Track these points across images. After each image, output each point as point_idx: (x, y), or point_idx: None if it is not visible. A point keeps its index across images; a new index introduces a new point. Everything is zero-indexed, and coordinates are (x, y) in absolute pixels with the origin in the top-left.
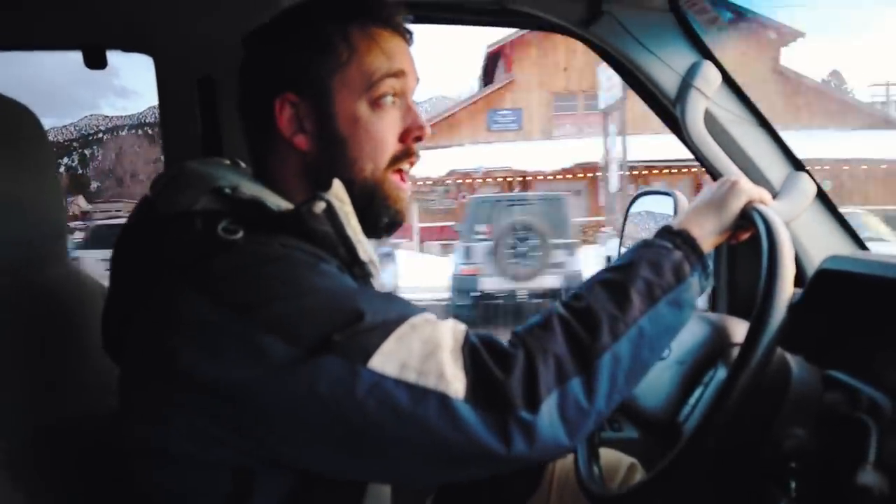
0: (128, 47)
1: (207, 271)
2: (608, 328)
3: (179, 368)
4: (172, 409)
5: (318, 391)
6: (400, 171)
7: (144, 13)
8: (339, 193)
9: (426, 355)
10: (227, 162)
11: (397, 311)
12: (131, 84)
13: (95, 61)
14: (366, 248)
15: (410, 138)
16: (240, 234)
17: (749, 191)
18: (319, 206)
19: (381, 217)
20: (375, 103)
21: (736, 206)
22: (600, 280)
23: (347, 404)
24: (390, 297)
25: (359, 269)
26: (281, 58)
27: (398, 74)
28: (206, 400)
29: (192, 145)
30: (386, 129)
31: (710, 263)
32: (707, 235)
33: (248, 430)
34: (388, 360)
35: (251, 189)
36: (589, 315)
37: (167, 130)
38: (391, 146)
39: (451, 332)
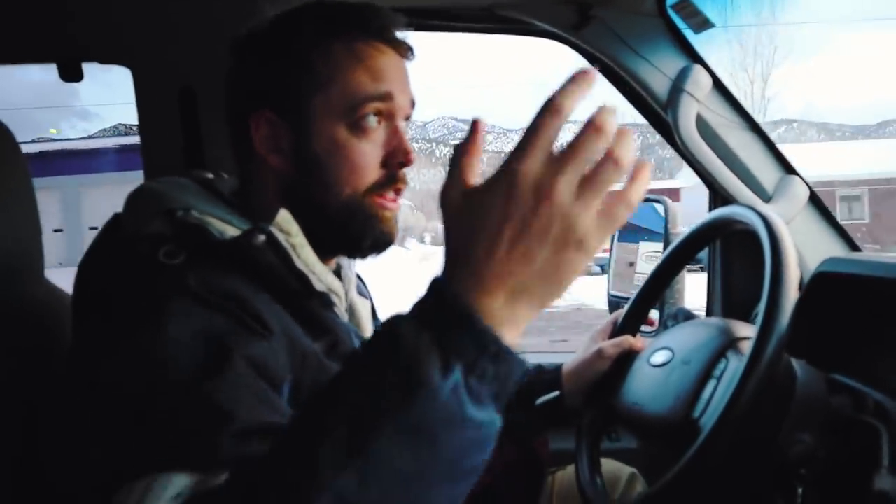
0: (106, 59)
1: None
2: None
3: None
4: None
5: None
6: (383, 195)
7: (123, 25)
8: (283, 225)
9: None
10: (210, 175)
11: None
12: (93, 107)
13: (71, 74)
14: (322, 277)
15: (394, 164)
16: (180, 259)
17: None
18: (259, 239)
19: (364, 239)
20: (357, 126)
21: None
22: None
23: None
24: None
25: (317, 301)
26: (259, 72)
27: (384, 97)
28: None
29: (173, 157)
30: (366, 154)
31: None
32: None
33: None
34: None
35: (206, 211)
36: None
37: (147, 143)
38: (371, 172)
39: None
